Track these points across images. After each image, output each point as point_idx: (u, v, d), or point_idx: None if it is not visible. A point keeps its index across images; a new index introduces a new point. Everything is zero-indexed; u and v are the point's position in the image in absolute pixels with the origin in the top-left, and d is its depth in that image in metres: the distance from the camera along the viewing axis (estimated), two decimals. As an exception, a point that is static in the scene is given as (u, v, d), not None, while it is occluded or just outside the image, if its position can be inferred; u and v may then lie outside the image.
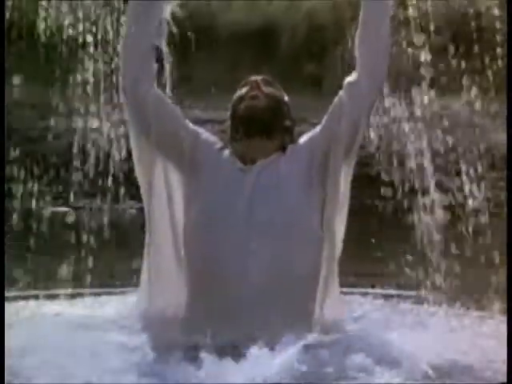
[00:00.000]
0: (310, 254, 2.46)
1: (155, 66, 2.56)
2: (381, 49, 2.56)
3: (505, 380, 2.36)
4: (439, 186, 12.04)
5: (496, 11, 13.31)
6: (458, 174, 11.17)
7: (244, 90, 2.59)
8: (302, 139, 2.58)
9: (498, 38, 13.08)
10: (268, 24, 13.37)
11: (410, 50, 14.39)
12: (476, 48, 13.16)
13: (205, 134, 2.60)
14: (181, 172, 2.57)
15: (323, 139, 2.50)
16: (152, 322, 2.49)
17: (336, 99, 2.53)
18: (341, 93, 2.53)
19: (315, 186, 2.48)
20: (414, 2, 14.92)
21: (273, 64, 12.93)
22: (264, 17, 13.47)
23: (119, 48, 2.63)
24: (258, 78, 2.61)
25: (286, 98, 2.63)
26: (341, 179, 2.51)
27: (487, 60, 13.08)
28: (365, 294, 3.90)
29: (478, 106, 12.24)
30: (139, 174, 2.59)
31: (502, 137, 12.23)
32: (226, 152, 2.54)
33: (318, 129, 2.55)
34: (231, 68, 12.79)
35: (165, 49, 2.69)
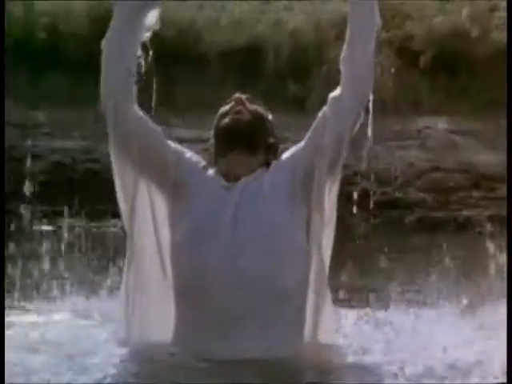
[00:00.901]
0: (296, 268, 2.46)
1: (135, 86, 2.54)
2: (365, 65, 2.57)
3: (505, 380, 2.37)
4: (423, 203, 12.07)
5: (476, 33, 13.49)
6: (442, 191, 11.26)
7: (228, 107, 2.60)
8: (285, 155, 2.58)
9: (480, 59, 13.23)
10: (253, 44, 13.43)
11: (392, 69, 14.39)
12: (458, 69, 13.32)
13: (188, 153, 2.59)
14: (165, 192, 2.55)
15: (306, 154, 2.51)
16: (137, 348, 2.44)
17: (320, 114, 2.54)
18: (325, 108, 2.54)
19: (299, 201, 2.48)
20: (397, 24, 14.94)
21: (257, 83, 12.99)
22: (249, 36, 13.54)
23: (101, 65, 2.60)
24: (243, 95, 2.63)
25: (270, 117, 2.65)
26: (325, 194, 2.51)
27: (469, 80, 13.22)
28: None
29: (459, 125, 12.35)
30: (120, 194, 2.55)
31: (483, 156, 12.34)
32: (210, 171, 2.54)
33: (301, 144, 2.56)
34: (217, 87, 12.83)
35: (143, 66, 2.66)
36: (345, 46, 2.58)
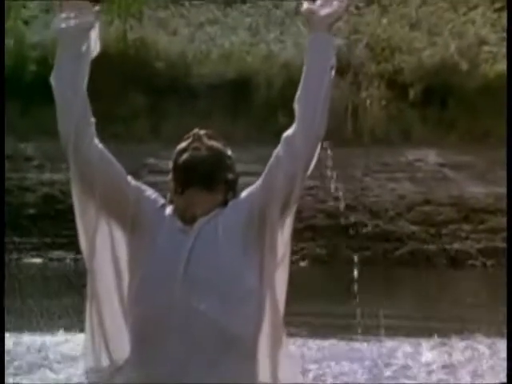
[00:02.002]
0: (248, 311, 2.44)
1: (92, 119, 2.50)
2: (318, 107, 2.54)
3: (505, 380, 2.34)
4: (414, 236, 12.06)
5: (465, 66, 13.61)
6: (433, 225, 11.25)
7: (186, 143, 2.57)
8: (242, 194, 2.55)
9: (469, 92, 13.32)
10: (243, 76, 13.49)
11: (383, 102, 14.52)
12: (448, 101, 13.41)
13: (148, 191, 2.55)
14: (124, 229, 2.54)
15: (261, 194, 2.48)
16: (101, 377, 2.45)
17: (274, 153, 2.53)
18: (279, 147, 2.52)
19: (253, 242, 2.46)
20: (386, 57, 15.06)
21: (248, 116, 13.03)
22: (239, 69, 13.61)
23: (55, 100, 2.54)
24: (201, 131, 2.60)
25: (230, 152, 2.62)
26: (278, 235, 2.50)
27: (459, 113, 13.31)
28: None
29: (449, 158, 12.40)
30: (81, 231, 2.53)
31: (474, 189, 12.36)
32: (168, 210, 2.50)
33: (257, 183, 2.54)
34: (206, 119, 12.86)
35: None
36: (300, 86, 2.58)
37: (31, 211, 10.52)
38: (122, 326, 2.46)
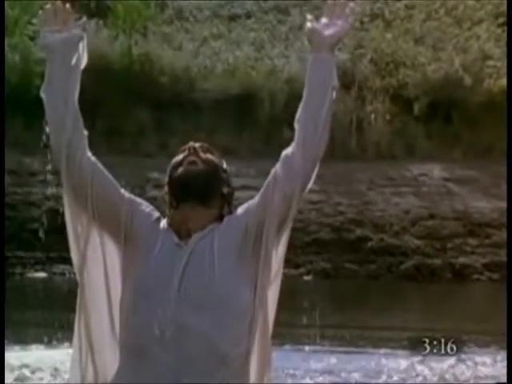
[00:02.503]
0: (241, 328, 2.43)
1: (85, 131, 2.48)
2: (319, 128, 2.51)
3: (505, 380, 2.32)
4: (419, 250, 12.02)
5: (469, 81, 13.63)
6: (438, 239, 11.22)
7: (181, 156, 2.54)
8: (239, 210, 2.52)
9: (474, 106, 13.33)
10: (248, 91, 13.53)
11: (387, 116, 14.53)
12: (452, 116, 13.42)
13: (142, 204, 2.53)
14: (117, 242, 2.52)
15: (258, 211, 2.46)
16: None
17: (272, 171, 2.50)
18: (277, 165, 2.50)
19: (248, 259, 2.44)
20: (391, 72, 15.09)
21: (252, 130, 13.06)
22: (244, 84, 13.64)
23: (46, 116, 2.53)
24: (196, 144, 2.58)
25: (225, 165, 2.60)
26: (273, 253, 2.49)
27: (463, 127, 13.31)
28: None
29: (454, 172, 12.39)
30: (73, 244, 2.52)
31: (479, 204, 12.35)
32: (163, 224, 2.48)
33: (254, 200, 2.51)
34: (211, 134, 12.88)
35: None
36: (300, 106, 2.55)
37: (36, 226, 10.53)
38: (109, 341, 2.44)
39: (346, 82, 14.22)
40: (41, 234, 9.93)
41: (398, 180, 11.84)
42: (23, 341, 5.15)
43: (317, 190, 10.30)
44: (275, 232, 2.44)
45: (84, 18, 2.54)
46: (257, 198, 2.47)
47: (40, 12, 2.50)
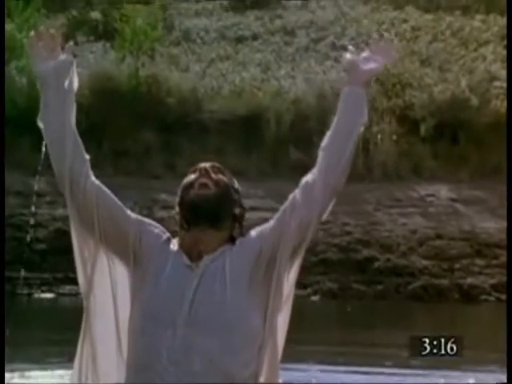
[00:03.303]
0: (250, 352, 2.41)
1: (87, 156, 2.48)
2: (343, 160, 2.50)
3: (505, 380, 2.30)
4: (427, 271, 11.92)
5: (475, 101, 13.63)
6: (445, 259, 11.18)
7: (193, 177, 2.50)
8: (252, 233, 2.50)
9: (480, 127, 13.33)
10: (254, 112, 13.56)
11: (394, 137, 14.53)
12: (458, 136, 13.42)
13: (150, 225, 2.50)
14: (126, 264, 2.50)
15: (273, 236, 2.43)
16: None
17: (290, 196, 2.46)
18: (296, 191, 2.47)
19: (260, 283, 2.42)
20: (397, 93, 15.10)
21: (259, 151, 13.07)
22: (250, 105, 13.68)
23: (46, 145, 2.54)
24: (208, 164, 2.56)
25: (237, 185, 2.58)
26: (285, 279, 2.48)
27: (469, 148, 13.30)
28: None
29: (461, 193, 12.37)
30: (79, 266, 2.51)
31: (486, 224, 12.32)
32: (173, 245, 2.46)
33: (269, 224, 2.48)
34: (218, 154, 12.90)
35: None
36: (327, 134, 2.54)
37: (42, 246, 10.54)
38: (117, 363, 2.43)
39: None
40: (47, 254, 9.94)
41: (405, 200, 11.82)
42: (28, 361, 5.13)
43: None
44: (289, 258, 2.41)
45: (71, 43, 2.55)
46: (272, 222, 2.44)
47: (26, 41, 2.50)
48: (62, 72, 2.47)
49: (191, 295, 2.34)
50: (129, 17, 14.61)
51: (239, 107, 13.52)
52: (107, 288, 2.48)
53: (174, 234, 2.46)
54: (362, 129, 2.51)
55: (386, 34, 2.58)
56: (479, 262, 10.84)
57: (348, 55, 2.53)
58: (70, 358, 2.53)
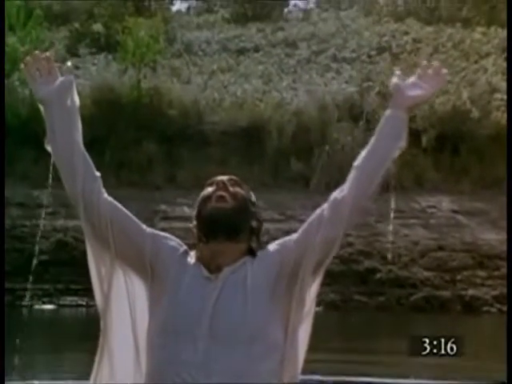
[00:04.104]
0: (270, 365, 2.41)
1: (98, 173, 2.48)
2: (375, 181, 2.51)
3: (505, 380, 2.29)
4: (429, 282, 11.89)
5: (477, 113, 13.65)
6: (447, 271, 11.16)
7: (210, 190, 2.50)
8: (274, 246, 2.48)
9: (481, 138, 13.34)
10: (256, 123, 13.58)
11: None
12: (460, 148, 13.43)
13: (166, 238, 2.50)
14: (143, 278, 2.50)
15: (296, 250, 2.43)
16: None
17: (318, 211, 2.45)
18: (324, 206, 2.46)
19: (281, 296, 2.41)
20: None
21: (260, 162, 13.08)
22: (252, 116, 13.70)
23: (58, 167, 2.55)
24: (225, 177, 2.56)
25: (254, 198, 2.59)
26: (307, 294, 2.48)
27: (471, 159, 13.31)
28: None
29: (462, 204, 12.36)
30: (96, 285, 2.50)
31: (488, 236, 12.30)
32: (190, 257, 2.46)
33: (293, 237, 2.47)
34: (219, 166, 12.91)
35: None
36: (362, 153, 2.54)
37: (44, 257, 10.54)
38: (132, 377, 2.42)
39: (354, 114, 14.28)
40: (48, 266, 9.94)
41: (407, 212, 11.81)
42: (30, 371, 5.12)
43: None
44: (311, 273, 2.41)
45: (68, 63, 2.56)
46: (296, 236, 2.43)
47: (22, 66, 2.51)
48: (64, 93, 2.48)
49: (211, 307, 2.33)
50: (131, 29, 14.66)
51: (241, 119, 13.55)
52: (124, 303, 2.47)
53: (190, 247, 2.46)
54: (398, 153, 2.52)
55: (435, 62, 2.51)
56: (481, 273, 10.82)
57: (395, 79, 2.52)
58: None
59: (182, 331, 2.33)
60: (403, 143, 2.50)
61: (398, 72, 2.55)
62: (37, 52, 2.52)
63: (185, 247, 2.45)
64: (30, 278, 9.20)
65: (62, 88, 2.47)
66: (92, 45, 16.52)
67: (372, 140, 2.51)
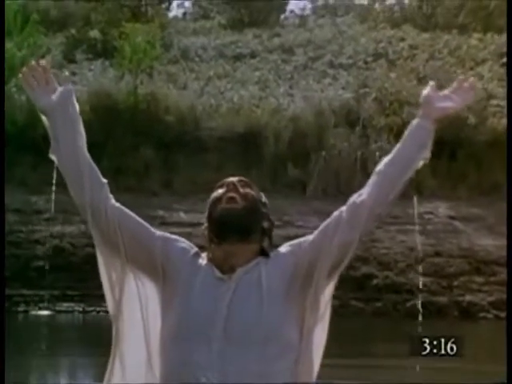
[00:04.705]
0: (285, 365, 2.41)
1: (104, 179, 2.49)
2: (396, 189, 2.52)
3: (505, 380, 2.29)
4: (425, 288, 11.89)
5: (473, 120, 13.68)
6: (444, 277, 11.16)
7: (220, 192, 2.51)
8: (288, 247, 2.49)
9: (478, 145, 13.36)
10: (252, 129, 13.59)
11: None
12: (457, 154, 13.45)
13: (177, 240, 2.51)
14: (155, 281, 2.51)
15: (311, 252, 2.42)
16: None
17: (336, 213, 2.44)
18: (343, 208, 2.46)
19: (296, 297, 2.42)
20: (395, 110, 15.17)
21: (257, 168, 13.09)
22: (249, 122, 13.71)
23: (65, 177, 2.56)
24: (235, 179, 2.56)
25: (264, 199, 2.59)
26: (321, 296, 2.48)
27: (468, 166, 13.33)
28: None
29: (459, 210, 12.38)
30: (108, 291, 2.51)
31: (484, 242, 12.32)
32: (202, 259, 2.48)
33: (308, 238, 2.47)
34: (216, 172, 12.91)
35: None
36: (385, 160, 2.54)
37: (40, 263, 10.52)
38: (144, 381, 2.43)
39: (351, 120, 14.30)
40: (45, 272, 9.91)
41: (404, 218, 11.82)
42: (26, 378, 5.12)
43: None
44: (326, 275, 2.41)
45: (66, 73, 2.58)
46: (311, 237, 2.43)
47: (20, 77, 2.52)
48: (66, 103, 2.50)
49: (225, 308, 2.34)
50: (128, 35, 14.67)
51: (237, 125, 13.56)
52: (136, 307, 2.49)
53: (201, 249, 2.47)
54: (421, 163, 2.54)
55: (471, 78, 2.51)
56: (478, 279, 10.83)
57: (427, 89, 2.54)
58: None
59: (196, 333, 2.34)
60: (427, 154, 2.52)
61: (431, 83, 2.56)
62: (33, 62, 2.54)
63: (196, 249, 2.47)
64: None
65: (63, 97, 2.49)
66: (89, 51, 16.53)
67: (396, 147, 2.53)
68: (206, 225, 2.48)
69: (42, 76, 2.50)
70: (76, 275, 10.11)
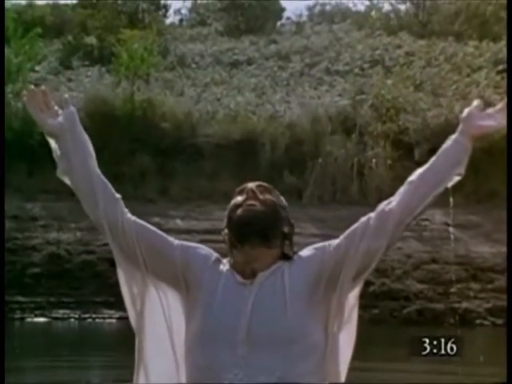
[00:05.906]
0: (310, 366, 2.41)
1: (118, 194, 2.50)
2: (426, 202, 2.54)
3: (505, 380, 2.28)
4: (422, 295, 11.89)
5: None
6: (440, 284, 11.16)
7: (240, 199, 2.51)
8: (311, 251, 2.48)
9: (475, 152, 13.38)
10: (249, 136, 13.60)
11: (389, 161, 14.57)
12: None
13: (197, 248, 2.51)
14: (177, 290, 2.52)
15: (336, 256, 2.41)
16: None
17: (364, 219, 2.43)
18: (371, 215, 2.46)
19: (320, 301, 2.41)
20: (392, 117, 15.20)
21: (254, 174, 13.09)
22: (245, 129, 13.72)
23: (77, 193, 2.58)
24: (254, 184, 2.56)
25: (284, 203, 2.59)
26: (346, 300, 2.47)
27: (465, 172, 13.34)
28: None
29: (456, 217, 12.38)
30: (129, 304, 2.52)
31: (481, 249, 12.32)
32: (223, 264, 2.47)
33: (332, 243, 2.46)
34: (212, 179, 12.91)
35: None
36: (419, 171, 2.51)
37: (36, 270, 10.50)
38: None
39: (347, 127, 14.32)
40: (41, 278, 9.89)
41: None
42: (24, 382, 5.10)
43: (318, 234, 10.28)
44: (351, 280, 2.41)
45: (66, 95, 2.61)
46: (336, 241, 2.42)
47: (25, 99, 2.53)
48: (73, 124, 2.54)
49: (248, 312, 2.35)
50: (126, 41, 14.69)
51: (234, 131, 13.56)
52: (160, 318, 2.50)
53: (223, 255, 2.47)
54: (456, 179, 2.55)
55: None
56: (474, 286, 10.83)
57: (470, 106, 2.56)
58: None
59: (220, 337, 2.35)
60: (462, 170, 2.53)
61: (477, 102, 2.57)
62: (32, 87, 2.56)
63: (216, 255, 2.47)
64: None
65: (69, 120, 2.53)
66: (85, 57, 16.55)
67: (432, 160, 2.54)
68: (226, 231, 2.48)
69: (41, 101, 2.53)
70: (72, 282, 10.09)
